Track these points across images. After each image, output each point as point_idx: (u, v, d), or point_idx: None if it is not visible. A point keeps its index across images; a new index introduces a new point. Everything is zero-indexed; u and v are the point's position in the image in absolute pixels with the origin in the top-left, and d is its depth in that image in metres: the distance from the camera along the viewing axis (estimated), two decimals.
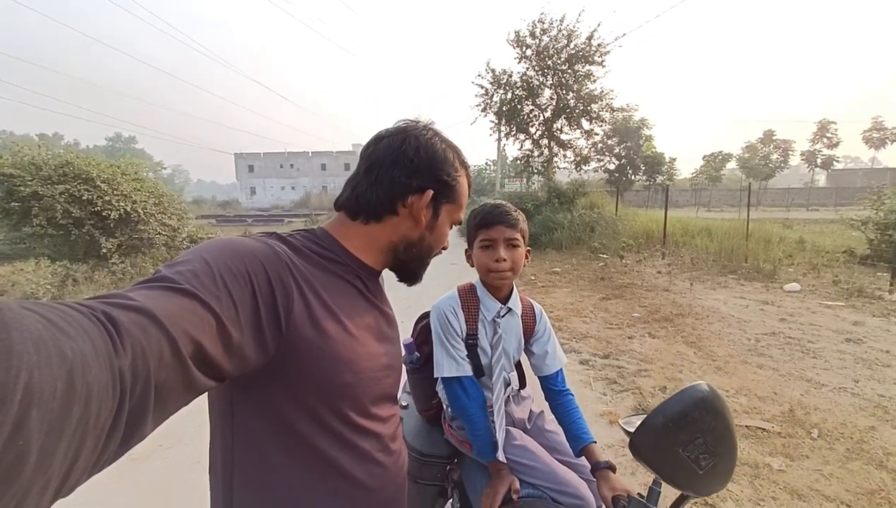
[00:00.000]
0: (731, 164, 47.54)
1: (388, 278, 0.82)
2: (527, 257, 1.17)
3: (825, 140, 45.41)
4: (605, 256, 9.39)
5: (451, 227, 0.77)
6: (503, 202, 1.16)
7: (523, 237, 1.14)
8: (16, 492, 0.26)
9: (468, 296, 1.19)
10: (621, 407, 3.01)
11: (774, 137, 46.82)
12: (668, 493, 0.77)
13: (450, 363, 1.12)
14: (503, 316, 1.17)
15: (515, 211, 1.15)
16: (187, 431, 2.65)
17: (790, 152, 46.73)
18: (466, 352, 1.14)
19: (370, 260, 0.70)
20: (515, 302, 1.19)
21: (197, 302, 0.43)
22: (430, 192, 0.68)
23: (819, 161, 46.14)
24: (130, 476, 2.27)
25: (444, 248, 0.79)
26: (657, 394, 3.16)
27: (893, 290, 5.87)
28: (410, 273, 0.76)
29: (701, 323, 4.81)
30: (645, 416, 0.74)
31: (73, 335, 0.30)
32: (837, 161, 47.72)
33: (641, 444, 0.73)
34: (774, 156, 46.48)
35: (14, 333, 0.26)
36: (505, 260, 1.10)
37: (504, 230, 1.10)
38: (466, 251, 1.22)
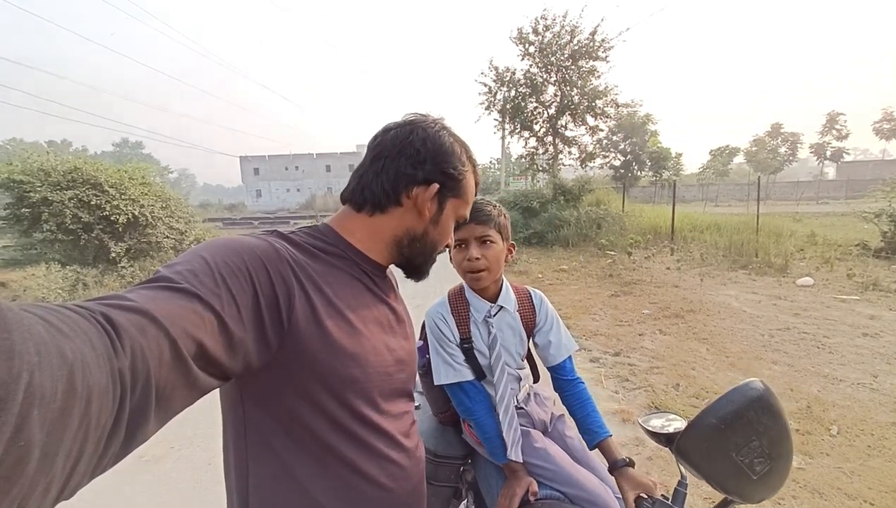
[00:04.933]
0: (739, 158, 46.90)
1: (396, 275, 0.80)
2: (510, 253, 1.12)
3: (834, 132, 44.65)
4: (612, 253, 9.30)
5: (455, 223, 0.76)
6: (478, 198, 1.06)
7: (501, 232, 1.08)
8: (17, 494, 0.26)
9: (457, 300, 1.15)
10: (634, 404, 2.97)
11: (782, 130, 46.17)
12: (692, 493, 0.74)
13: (447, 369, 1.10)
14: (495, 315, 1.12)
15: (491, 205, 1.08)
16: (198, 432, 2.65)
17: (798, 145, 46.03)
18: (464, 357, 1.11)
19: (374, 253, 0.69)
20: (507, 299, 1.14)
21: (197, 300, 0.43)
22: (436, 185, 0.67)
23: (828, 153, 45.37)
24: (142, 478, 2.27)
25: (449, 246, 0.78)
26: (670, 391, 3.11)
27: None
28: (416, 268, 0.75)
29: (712, 320, 4.74)
30: (693, 416, 0.69)
31: (72, 336, 0.30)
32: (847, 153, 46.78)
33: (689, 447, 0.68)
34: (782, 150, 45.81)
35: (15, 334, 0.26)
36: (478, 258, 1.05)
37: (474, 228, 1.05)
38: (450, 252, 1.15)
